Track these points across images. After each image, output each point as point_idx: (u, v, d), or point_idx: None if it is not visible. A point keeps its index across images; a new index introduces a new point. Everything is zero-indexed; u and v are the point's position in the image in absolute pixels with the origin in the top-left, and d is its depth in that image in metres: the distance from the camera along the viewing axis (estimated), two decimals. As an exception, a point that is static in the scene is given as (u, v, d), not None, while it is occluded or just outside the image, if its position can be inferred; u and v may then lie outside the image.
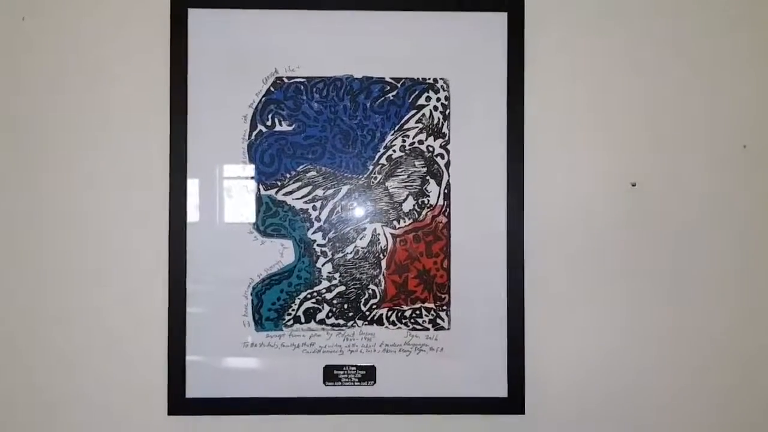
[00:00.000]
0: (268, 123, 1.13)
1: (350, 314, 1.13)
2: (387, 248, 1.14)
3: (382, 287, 1.14)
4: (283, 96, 1.13)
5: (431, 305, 1.14)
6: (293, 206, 1.13)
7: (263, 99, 1.13)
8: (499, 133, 1.14)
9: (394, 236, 1.14)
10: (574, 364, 1.15)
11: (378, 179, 1.14)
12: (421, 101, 1.14)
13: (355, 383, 1.13)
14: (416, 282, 1.14)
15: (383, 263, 1.14)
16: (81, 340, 1.13)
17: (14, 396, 1.13)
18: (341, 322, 1.13)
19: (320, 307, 1.13)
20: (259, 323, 1.13)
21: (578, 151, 1.16)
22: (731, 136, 1.16)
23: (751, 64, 1.16)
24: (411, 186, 1.14)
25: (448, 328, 1.14)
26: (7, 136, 1.13)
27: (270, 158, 1.13)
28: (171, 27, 1.12)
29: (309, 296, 1.13)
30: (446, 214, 1.14)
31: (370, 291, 1.13)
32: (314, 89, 1.13)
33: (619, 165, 1.16)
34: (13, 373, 1.13)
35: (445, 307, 1.14)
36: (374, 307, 1.14)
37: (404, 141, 1.14)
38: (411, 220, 1.14)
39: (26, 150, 1.13)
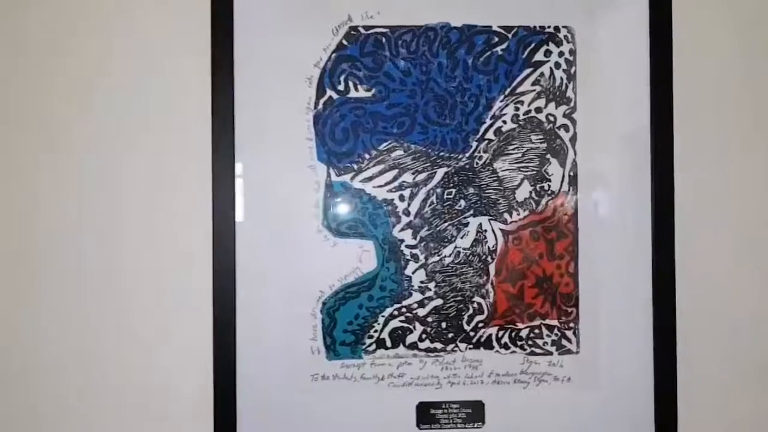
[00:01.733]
0: (341, 87, 0.86)
1: (450, 335, 0.87)
2: (496, 249, 0.87)
3: (491, 300, 0.87)
4: (359, 52, 0.86)
5: (554, 322, 0.88)
6: (374, 196, 0.86)
7: (334, 56, 0.86)
8: (640, 99, 0.88)
9: (505, 233, 0.87)
10: (740, 395, 0.89)
11: (484, 159, 0.87)
12: (539, 57, 0.87)
13: (458, 425, 0.87)
14: (535, 292, 0.88)
15: (491, 268, 0.87)
16: (104, 382, 0.86)
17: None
18: (439, 346, 0.87)
19: (411, 326, 0.87)
20: (332, 349, 0.86)
21: (742, 121, 0.89)
22: None
23: None
24: (526, 168, 0.88)
25: (577, 352, 0.88)
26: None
27: (343, 133, 0.86)
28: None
29: (396, 313, 0.87)
30: (573, 203, 0.87)
31: (476, 305, 0.87)
32: (400, 42, 0.86)
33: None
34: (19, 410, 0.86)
35: (572, 325, 0.88)
36: (481, 325, 0.87)
37: (517, 109, 0.87)
38: (527, 212, 0.88)
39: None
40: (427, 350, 0.87)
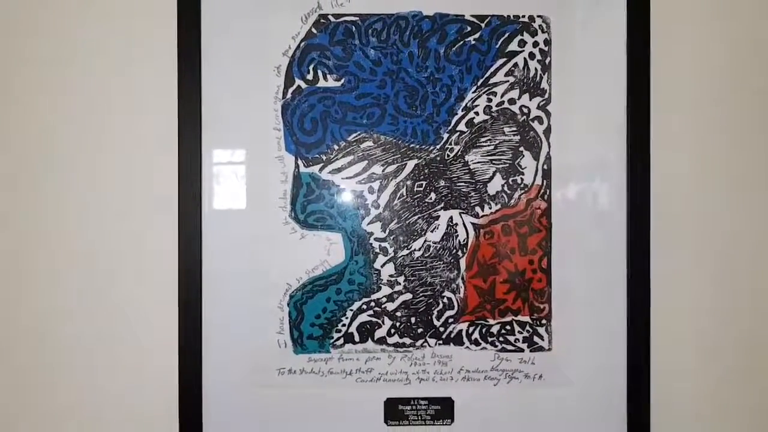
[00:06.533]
0: (309, 77, 0.84)
1: (419, 331, 0.86)
2: (467, 243, 0.86)
3: (461, 295, 0.86)
4: (328, 40, 0.84)
5: (526, 318, 0.86)
6: (343, 188, 0.85)
7: (303, 44, 0.84)
8: (616, 90, 0.85)
9: (476, 227, 0.86)
10: (714, 392, 0.88)
11: (455, 151, 0.85)
12: (513, 47, 0.85)
13: (427, 422, 0.86)
14: (506, 287, 0.86)
15: (462, 263, 0.85)
16: (65, 379, 0.85)
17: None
18: (407, 341, 0.86)
19: (380, 321, 0.85)
20: (299, 343, 0.85)
21: (722, 112, 0.87)
22: None
23: None
24: (499, 160, 0.86)
25: (549, 349, 0.86)
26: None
27: (312, 124, 0.84)
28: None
29: (365, 307, 0.85)
30: (546, 197, 0.86)
31: (446, 300, 0.86)
32: (370, 31, 0.85)
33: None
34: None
35: (544, 321, 0.86)
36: (451, 321, 0.86)
37: (490, 100, 0.85)
38: (499, 206, 0.86)
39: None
40: (396, 345, 0.86)
